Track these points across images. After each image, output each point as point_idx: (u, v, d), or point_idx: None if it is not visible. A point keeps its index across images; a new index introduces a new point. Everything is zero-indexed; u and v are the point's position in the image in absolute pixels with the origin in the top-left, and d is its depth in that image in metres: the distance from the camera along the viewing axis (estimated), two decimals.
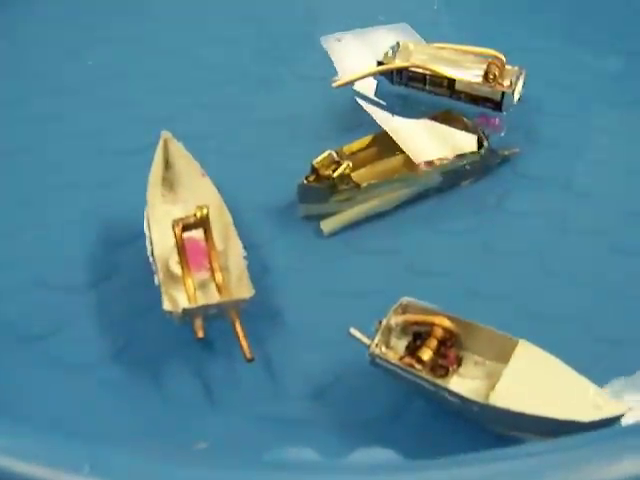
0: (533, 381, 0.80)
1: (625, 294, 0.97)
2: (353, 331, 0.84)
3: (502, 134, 1.11)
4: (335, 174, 0.99)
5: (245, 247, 0.93)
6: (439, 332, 0.83)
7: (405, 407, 0.85)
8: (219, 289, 0.91)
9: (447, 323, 0.83)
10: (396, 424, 0.85)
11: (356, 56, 1.23)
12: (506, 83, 1.10)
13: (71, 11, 1.36)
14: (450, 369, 0.83)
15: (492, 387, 0.80)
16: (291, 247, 1.01)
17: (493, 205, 1.07)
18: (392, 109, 1.14)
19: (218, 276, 0.91)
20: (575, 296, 0.96)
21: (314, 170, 1.00)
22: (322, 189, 1.00)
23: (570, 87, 1.24)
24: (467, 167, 1.05)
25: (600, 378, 0.84)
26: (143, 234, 0.93)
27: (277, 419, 0.85)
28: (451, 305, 0.89)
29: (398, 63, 1.13)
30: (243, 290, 0.89)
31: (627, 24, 1.36)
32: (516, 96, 1.11)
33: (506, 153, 1.10)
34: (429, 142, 1.06)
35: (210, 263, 0.91)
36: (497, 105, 1.11)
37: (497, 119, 1.12)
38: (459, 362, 0.84)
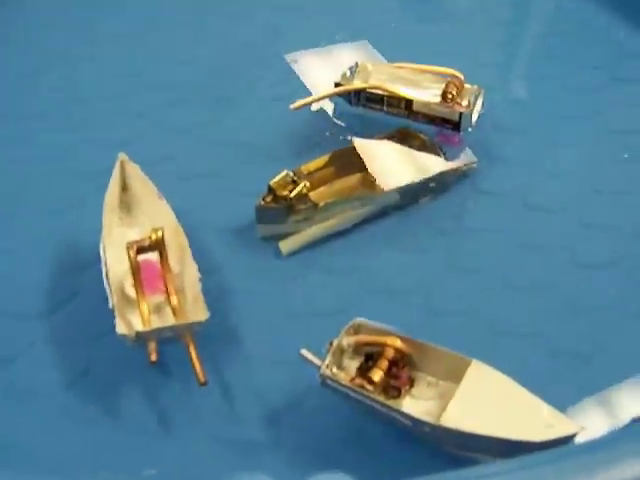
0: (485, 401, 0.78)
1: (586, 307, 0.96)
2: (304, 352, 0.82)
3: (462, 151, 1.10)
4: (292, 194, 0.99)
5: (201, 269, 0.91)
6: (391, 353, 0.82)
7: (362, 429, 0.84)
8: (174, 312, 0.89)
9: (399, 343, 0.82)
10: (352, 447, 0.83)
11: (318, 76, 1.22)
12: (464, 103, 1.09)
13: (27, 34, 1.36)
14: (402, 390, 0.81)
15: (445, 407, 0.79)
16: (249, 268, 1.00)
17: (452, 222, 1.07)
18: (352, 131, 1.13)
19: (173, 299, 0.90)
20: (537, 310, 0.96)
21: (271, 190, 0.99)
22: (280, 209, 0.99)
23: (526, 103, 1.25)
24: (429, 185, 1.05)
25: (562, 392, 0.84)
26: (99, 260, 0.92)
27: (232, 443, 0.83)
28: (412, 323, 0.89)
29: (355, 84, 1.12)
30: (198, 313, 0.88)
31: (585, 38, 1.37)
32: (474, 116, 1.10)
33: (465, 168, 1.09)
34: (395, 167, 1.05)
35: (165, 286, 0.90)
36: (455, 125, 1.10)
37: (457, 136, 1.11)
38: (412, 383, 0.83)
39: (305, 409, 0.86)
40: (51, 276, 0.97)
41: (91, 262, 0.95)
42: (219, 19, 1.39)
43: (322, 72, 1.23)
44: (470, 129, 1.10)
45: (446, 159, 1.07)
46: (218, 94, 1.23)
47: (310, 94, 1.18)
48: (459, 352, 0.82)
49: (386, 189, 1.01)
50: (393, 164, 1.05)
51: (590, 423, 0.82)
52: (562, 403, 0.82)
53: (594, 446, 0.72)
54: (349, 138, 1.08)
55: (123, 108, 1.20)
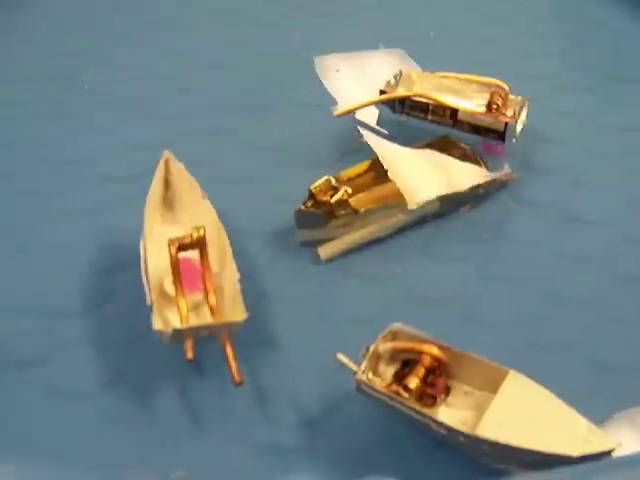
0: (522, 412, 0.76)
1: (627, 320, 0.94)
2: (340, 356, 0.81)
3: (504, 161, 1.08)
4: (333, 199, 0.98)
5: (240, 271, 0.91)
6: (427, 360, 0.80)
7: (398, 436, 0.82)
8: (212, 311, 0.89)
9: (436, 351, 0.80)
10: (389, 453, 0.82)
11: (352, 83, 1.21)
12: (509, 113, 1.07)
13: (64, 36, 1.36)
14: (438, 398, 0.80)
15: (481, 418, 0.77)
16: (288, 273, 0.99)
17: (492, 231, 1.05)
18: (394, 138, 1.11)
19: (212, 298, 0.89)
20: (577, 323, 0.94)
21: (312, 196, 0.98)
22: (320, 215, 0.98)
23: (567, 113, 1.22)
24: (466, 193, 1.03)
25: (601, 406, 0.83)
26: (137, 261, 0.91)
27: (266, 446, 0.82)
28: (448, 332, 0.87)
29: (400, 92, 1.11)
30: (236, 313, 0.87)
31: (623, 52, 1.35)
32: (519, 126, 1.09)
33: (504, 179, 1.08)
34: (426, 180, 1.03)
35: (204, 284, 0.90)
36: (500, 135, 1.08)
37: (500, 146, 1.09)
38: (448, 391, 0.81)
39: (341, 415, 0.84)
40: (88, 277, 0.97)
41: (128, 264, 0.95)
42: (253, 25, 1.38)
43: (351, 80, 1.22)
44: (514, 140, 1.08)
45: (487, 169, 1.06)
46: (253, 100, 1.22)
47: (335, 100, 1.18)
48: (497, 362, 0.80)
49: (410, 205, 1.00)
50: (422, 176, 1.03)
51: (623, 438, 0.80)
52: (600, 417, 0.80)
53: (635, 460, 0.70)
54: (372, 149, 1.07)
55: (156, 112, 1.20)
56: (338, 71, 1.23)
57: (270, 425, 0.84)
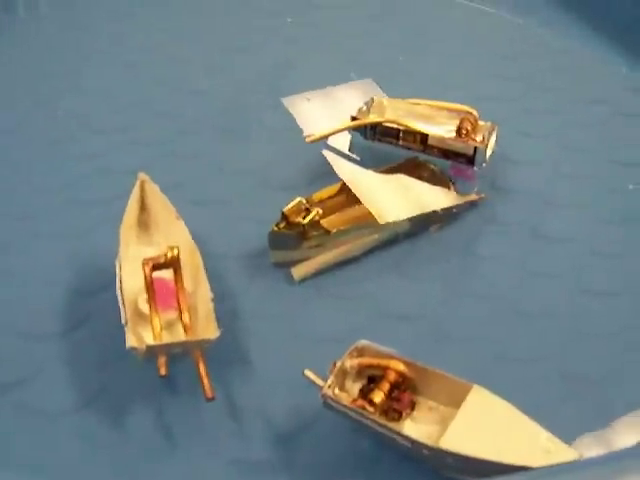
0: (484, 426, 0.77)
1: (595, 333, 0.96)
2: (307, 373, 0.82)
3: (475, 185, 1.11)
4: (305, 221, 0.99)
5: (215, 291, 0.92)
6: (392, 376, 0.81)
7: (366, 451, 0.83)
8: (185, 329, 0.90)
9: (401, 367, 0.81)
10: (357, 467, 0.82)
11: (321, 113, 1.24)
12: (479, 138, 1.10)
13: (40, 60, 1.37)
14: (403, 413, 0.81)
15: (445, 432, 0.78)
16: (262, 293, 0.99)
17: (461, 250, 1.07)
18: (365, 163, 1.13)
19: (185, 316, 0.90)
20: (545, 337, 0.96)
21: (284, 217, 0.99)
22: (292, 236, 1.00)
23: (534, 135, 1.25)
24: (436, 212, 1.05)
25: (570, 417, 0.85)
26: (114, 283, 0.92)
27: (240, 462, 0.83)
28: (419, 348, 0.89)
29: (372, 118, 1.13)
30: (209, 331, 0.88)
31: (591, 76, 1.38)
32: (488, 151, 1.11)
33: (473, 198, 1.09)
34: (394, 200, 1.04)
35: (178, 303, 0.91)
36: (470, 160, 1.10)
37: (470, 170, 1.11)
38: (413, 406, 0.82)
39: (312, 431, 0.85)
40: (65, 299, 0.97)
41: (104, 286, 0.95)
42: (229, 52, 1.40)
43: (321, 112, 1.24)
44: (484, 164, 1.10)
45: (456, 190, 1.08)
46: (228, 124, 1.24)
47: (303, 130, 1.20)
48: (466, 377, 0.81)
49: (381, 222, 1.01)
50: (390, 198, 1.04)
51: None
52: (570, 428, 0.81)
53: (597, 461, 0.71)
54: (339, 175, 1.08)
55: (134, 137, 1.21)
56: (309, 100, 1.25)
57: (243, 441, 0.84)
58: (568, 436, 0.78)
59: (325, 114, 1.22)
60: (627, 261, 1.05)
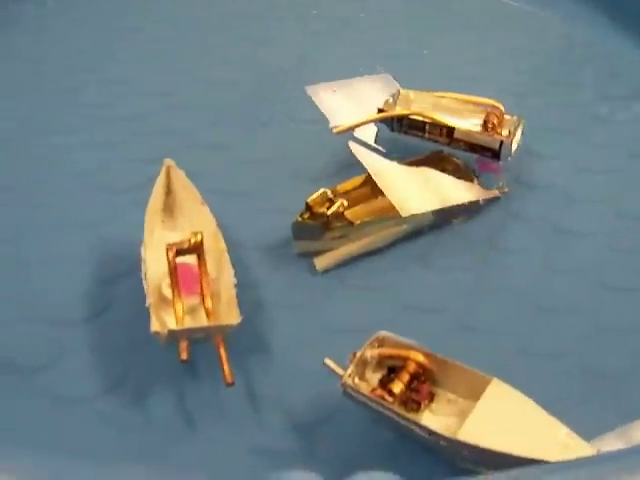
0: (503, 419, 0.77)
1: (616, 329, 0.95)
2: (327, 361, 0.82)
3: (500, 179, 1.10)
4: (329, 212, 0.99)
5: (238, 280, 0.92)
6: (412, 366, 0.81)
7: (386, 441, 0.83)
8: (208, 314, 0.90)
9: (421, 358, 0.81)
10: (377, 457, 0.82)
11: (345, 104, 1.23)
12: (504, 132, 1.09)
13: (64, 54, 1.38)
14: (422, 404, 0.81)
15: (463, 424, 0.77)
16: (285, 283, 1.00)
17: (484, 243, 1.06)
18: (390, 155, 1.13)
19: (208, 301, 0.91)
20: (567, 332, 0.95)
21: (308, 208, 0.99)
22: (316, 226, 1.00)
23: (558, 130, 1.24)
24: (460, 205, 1.05)
25: (591, 413, 0.84)
26: (137, 269, 0.92)
27: (259, 449, 0.83)
28: (441, 340, 0.89)
29: (398, 111, 1.13)
30: (231, 316, 0.88)
31: (614, 70, 1.37)
32: (514, 145, 1.10)
33: (496, 192, 1.09)
34: (417, 193, 1.04)
35: (201, 288, 0.91)
36: (495, 154, 1.09)
37: (496, 164, 1.11)
38: (432, 398, 0.82)
39: (332, 420, 0.85)
40: (89, 286, 0.98)
41: (127, 273, 0.96)
42: (250, 42, 1.40)
43: (342, 104, 1.23)
44: (509, 158, 1.10)
45: (480, 184, 1.07)
46: (252, 115, 1.25)
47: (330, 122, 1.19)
48: (488, 370, 0.81)
49: (404, 215, 1.01)
50: (414, 191, 1.04)
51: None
52: (590, 424, 0.80)
53: (616, 455, 0.71)
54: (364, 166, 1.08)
55: (156, 127, 1.22)
56: (335, 91, 1.25)
57: (263, 429, 0.85)
58: (589, 432, 0.78)
59: (348, 105, 1.22)
60: None
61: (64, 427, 0.84)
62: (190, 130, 1.21)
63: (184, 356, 0.85)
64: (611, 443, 0.83)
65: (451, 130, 1.10)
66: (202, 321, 0.90)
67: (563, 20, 1.48)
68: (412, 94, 1.14)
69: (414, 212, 1.01)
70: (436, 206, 1.03)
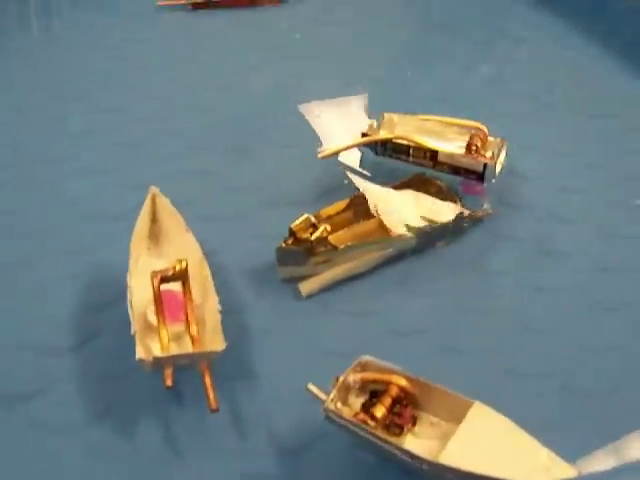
0: (485, 442, 0.77)
1: (601, 348, 0.95)
2: (311, 387, 0.82)
3: (485, 201, 1.11)
4: (313, 237, 0.99)
5: (223, 306, 0.92)
6: (394, 391, 0.81)
7: (371, 465, 0.83)
8: (193, 341, 0.90)
9: (403, 382, 0.81)
10: None
11: (333, 125, 1.25)
12: (488, 154, 1.09)
13: (53, 81, 1.39)
14: (405, 428, 0.80)
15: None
16: (270, 308, 0.99)
17: (468, 265, 1.06)
18: (373, 178, 1.13)
19: (193, 328, 0.90)
20: (552, 352, 0.95)
21: (292, 233, 0.99)
22: (300, 252, 1.00)
23: (540, 150, 1.25)
24: (445, 229, 1.05)
25: (578, 432, 0.84)
26: (124, 297, 0.92)
27: (245, 475, 0.83)
28: (426, 363, 0.89)
29: (382, 135, 1.13)
30: (216, 343, 0.88)
31: (597, 87, 1.39)
32: (498, 167, 1.10)
33: (479, 214, 1.09)
34: (407, 214, 1.04)
35: (186, 315, 0.91)
36: (479, 176, 1.10)
37: (480, 186, 1.11)
38: (414, 421, 0.81)
39: (318, 445, 0.85)
40: (76, 313, 0.98)
41: (115, 300, 0.96)
42: (236, 69, 1.42)
43: (334, 122, 1.25)
44: (493, 180, 1.10)
45: (463, 205, 1.07)
46: (235, 142, 1.25)
47: (322, 144, 1.20)
48: (474, 391, 0.81)
49: (394, 232, 1.01)
50: (403, 209, 1.05)
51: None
52: (575, 441, 0.81)
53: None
54: (356, 187, 1.08)
55: (145, 153, 1.22)
56: (318, 116, 1.26)
57: (249, 454, 0.84)
58: (576, 450, 0.79)
59: (338, 126, 1.24)
60: (632, 275, 1.05)
61: (51, 456, 0.84)
62: (177, 156, 1.21)
63: (169, 382, 0.85)
64: (602, 460, 0.84)
65: (435, 153, 1.10)
66: (187, 348, 0.90)
67: (547, 41, 1.50)
68: (396, 117, 1.15)
69: (404, 232, 1.02)
70: (424, 224, 1.03)
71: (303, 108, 1.28)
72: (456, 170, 1.11)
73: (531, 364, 0.93)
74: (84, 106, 1.33)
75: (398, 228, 1.02)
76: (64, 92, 1.36)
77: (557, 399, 0.90)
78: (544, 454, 0.75)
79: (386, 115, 1.15)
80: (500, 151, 1.10)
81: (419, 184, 1.10)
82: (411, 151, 1.11)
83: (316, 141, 1.22)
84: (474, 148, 1.09)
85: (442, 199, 1.08)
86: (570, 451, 0.77)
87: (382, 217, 1.03)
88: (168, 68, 1.42)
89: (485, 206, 1.10)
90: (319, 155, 1.14)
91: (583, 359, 0.94)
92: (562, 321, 0.98)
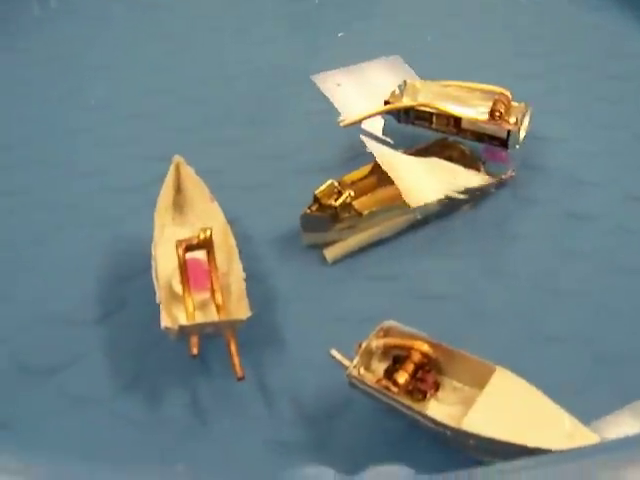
0: (507, 408, 0.77)
1: (626, 312, 0.94)
2: (334, 352, 0.82)
3: (509, 168, 1.09)
4: (337, 203, 0.99)
5: (249, 274, 0.92)
6: (417, 356, 0.81)
7: (398, 431, 0.83)
8: (218, 309, 0.91)
9: (425, 348, 0.81)
10: (390, 448, 0.82)
11: (354, 94, 1.23)
12: (512, 120, 1.07)
13: (71, 51, 1.38)
14: (428, 393, 0.80)
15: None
16: (295, 275, 1.00)
17: (493, 229, 1.05)
18: (397, 145, 1.12)
19: (218, 297, 0.91)
20: (577, 316, 0.94)
21: (316, 200, 0.99)
22: (325, 218, 0.99)
23: (563, 112, 1.23)
24: (468, 191, 1.04)
25: (601, 396, 0.84)
26: (150, 268, 0.92)
27: (272, 442, 0.83)
28: (451, 327, 0.89)
29: (405, 102, 1.12)
30: (241, 311, 0.89)
31: (618, 49, 1.36)
32: (522, 134, 1.09)
33: (503, 177, 1.08)
34: (425, 182, 1.03)
35: (211, 284, 0.91)
36: (503, 143, 1.08)
37: (504, 153, 1.09)
38: (437, 387, 0.81)
39: (345, 412, 0.85)
40: (102, 286, 0.98)
41: (140, 272, 0.95)
42: (253, 40, 1.40)
43: (352, 91, 1.24)
44: (517, 146, 1.09)
45: (486, 170, 1.06)
46: (257, 110, 1.24)
47: (341, 113, 1.19)
48: (500, 356, 0.80)
49: (413, 205, 1.00)
50: (422, 179, 1.03)
51: (627, 431, 0.81)
52: (600, 407, 0.81)
53: (622, 443, 0.70)
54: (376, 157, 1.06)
55: (163, 124, 1.21)
56: (339, 85, 1.25)
57: (276, 422, 0.85)
58: (598, 415, 0.78)
59: (357, 92, 1.22)
60: None
61: (80, 428, 0.85)
62: (197, 127, 1.21)
63: (194, 351, 0.85)
64: (624, 419, 0.83)
65: (458, 120, 1.09)
66: (213, 316, 0.90)
67: (567, 2, 1.47)
68: (418, 84, 1.13)
69: (422, 202, 1.01)
70: (444, 194, 1.02)
71: (317, 78, 1.26)
72: (480, 137, 1.09)
73: (555, 328, 0.93)
74: (99, 76, 1.32)
75: (416, 200, 1.00)
76: (82, 61, 1.35)
77: (582, 362, 0.89)
78: (567, 420, 0.74)
79: (408, 82, 1.14)
80: (524, 117, 1.08)
81: (441, 149, 1.09)
82: (434, 118, 1.10)
83: (336, 109, 1.21)
84: (497, 114, 1.07)
85: (465, 164, 1.07)
86: (595, 415, 0.77)
87: (400, 187, 1.01)
88: (186, 39, 1.41)
89: (509, 172, 1.08)
90: (342, 124, 1.13)
91: (608, 323, 0.93)
92: (588, 285, 0.97)
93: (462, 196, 1.03)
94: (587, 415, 0.77)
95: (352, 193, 1.00)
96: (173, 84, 1.30)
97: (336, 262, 1.00)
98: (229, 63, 1.35)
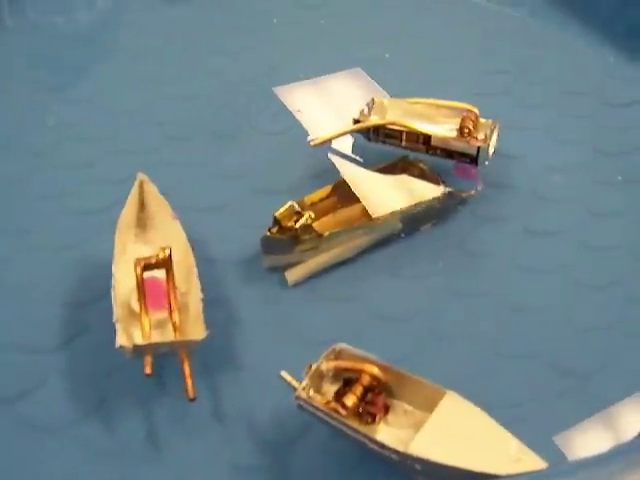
0: (455, 432, 0.76)
1: (587, 327, 0.95)
2: (284, 374, 0.82)
3: (479, 184, 1.09)
4: (297, 225, 0.98)
5: (209, 296, 0.91)
6: (366, 379, 0.80)
7: (348, 455, 0.83)
8: (175, 329, 0.90)
9: (375, 371, 0.80)
10: (347, 477, 0.82)
11: (320, 111, 1.23)
12: (480, 137, 1.07)
13: (29, 72, 1.36)
14: (377, 416, 0.80)
15: None
16: (256, 298, 0.99)
17: (454, 247, 1.05)
18: (363, 164, 1.12)
19: (175, 316, 0.91)
20: (540, 332, 0.94)
21: (277, 222, 0.99)
22: (285, 240, 0.99)
23: (522, 129, 1.23)
24: (428, 212, 1.04)
25: (567, 410, 0.85)
26: (109, 293, 0.92)
27: (231, 466, 0.83)
28: (416, 348, 0.89)
29: (374, 121, 1.12)
30: (197, 332, 0.88)
31: (578, 64, 1.37)
32: (491, 150, 1.08)
33: (463, 195, 1.08)
34: (388, 195, 1.04)
35: (169, 303, 0.91)
36: (473, 159, 1.08)
37: (474, 169, 1.09)
38: (387, 410, 0.81)
39: (301, 435, 0.85)
40: (63, 310, 0.97)
41: (102, 294, 0.94)
42: (216, 56, 1.39)
43: (314, 103, 1.24)
44: (487, 162, 1.08)
45: (445, 187, 1.06)
46: (217, 129, 1.23)
47: (304, 128, 1.20)
48: (464, 375, 0.81)
49: (375, 216, 1.00)
50: (384, 191, 1.04)
51: (594, 442, 0.82)
52: (568, 420, 0.82)
53: (597, 460, 0.69)
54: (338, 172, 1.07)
55: (124, 145, 1.20)
56: (299, 111, 1.24)
57: (234, 445, 0.84)
58: (566, 427, 0.80)
59: (324, 107, 1.22)
60: (618, 253, 1.04)
61: (39, 455, 0.84)
62: (158, 147, 1.20)
63: (148, 370, 0.85)
64: (594, 429, 0.84)
65: (428, 138, 1.08)
66: (169, 335, 0.90)
67: (529, 18, 1.49)
68: (386, 102, 1.13)
69: (384, 212, 1.01)
70: (406, 205, 1.02)
71: (280, 91, 1.26)
72: (450, 154, 1.09)
73: (519, 344, 0.93)
74: (58, 97, 1.30)
75: (378, 211, 1.01)
76: (41, 82, 1.33)
77: (547, 378, 0.89)
78: (514, 445, 0.74)
79: (376, 100, 1.14)
80: (492, 133, 1.08)
81: (402, 167, 1.08)
82: (404, 136, 1.10)
83: (298, 126, 1.21)
84: (466, 131, 1.07)
85: (425, 181, 1.07)
86: (562, 427, 0.79)
87: (363, 200, 1.02)
88: (147, 53, 1.40)
89: (478, 188, 1.08)
90: (311, 144, 1.13)
91: (571, 338, 0.93)
92: (548, 300, 0.98)
93: (423, 206, 1.03)
94: (554, 427, 0.79)
95: (312, 214, 0.99)
96: (131, 103, 1.29)
97: (297, 284, 1.00)
98: (189, 79, 1.34)
